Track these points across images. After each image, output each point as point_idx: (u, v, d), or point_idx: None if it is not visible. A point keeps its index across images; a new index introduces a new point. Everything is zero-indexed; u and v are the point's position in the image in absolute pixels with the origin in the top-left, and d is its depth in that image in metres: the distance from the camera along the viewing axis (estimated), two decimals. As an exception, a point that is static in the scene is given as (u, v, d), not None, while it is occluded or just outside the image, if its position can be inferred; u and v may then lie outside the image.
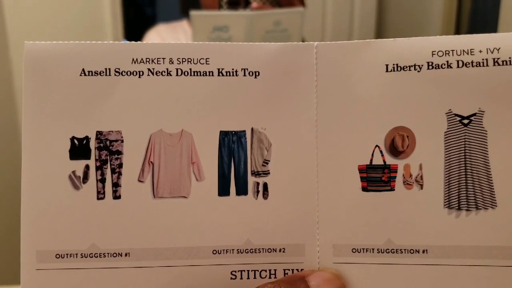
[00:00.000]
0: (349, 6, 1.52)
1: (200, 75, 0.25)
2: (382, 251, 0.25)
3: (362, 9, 1.52)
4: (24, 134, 0.25)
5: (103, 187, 0.25)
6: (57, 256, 0.25)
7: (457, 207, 0.25)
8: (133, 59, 0.25)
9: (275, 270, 0.25)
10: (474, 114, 0.25)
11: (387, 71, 0.25)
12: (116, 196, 0.25)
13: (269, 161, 0.26)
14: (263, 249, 0.25)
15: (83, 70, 0.25)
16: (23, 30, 0.96)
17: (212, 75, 0.25)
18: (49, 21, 1.07)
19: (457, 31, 1.23)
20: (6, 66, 0.93)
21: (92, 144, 0.25)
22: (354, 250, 0.25)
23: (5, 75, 0.92)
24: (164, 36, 0.95)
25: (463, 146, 0.25)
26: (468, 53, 0.25)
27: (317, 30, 1.52)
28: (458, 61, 0.25)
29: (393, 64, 0.25)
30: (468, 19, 1.21)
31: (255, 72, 0.25)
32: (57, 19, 1.09)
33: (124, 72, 0.25)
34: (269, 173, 0.26)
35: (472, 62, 0.25)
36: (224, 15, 0.75)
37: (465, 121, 0.25)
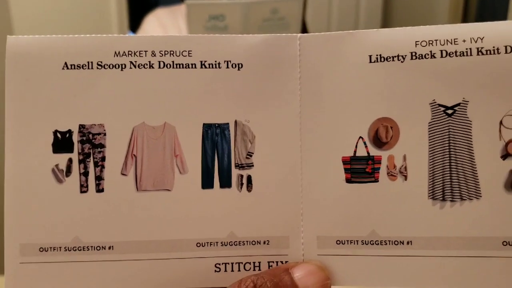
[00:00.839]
0: (354, 6, 1.52)
1: (183, 67, 0.25)
2: (367, 243, 0.25)
3: (368, 2, 1.51)
4: (7, 127, 0.25)
5: (86, 180, 0.25)
6: (41, 249, 0.25)
7: (441, 198, 0.25)
8: (115, 52, 0.25)
9: (259, 262, 0.26)
10: (458, 104, 0.25)
11: (370, 61, 0.25)
12: (99, 189, 0.25)
13: (252, 153, 0.26)
14: (247, 241, 0.26)
15: (65, 63, 0.25)
16: (28, 20, 0.97)
17: (195, 67, 0.25)
18: (54, 10, 1.07)
19: (465, 20, 1.22)
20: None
21: (75, 138, 0.25)
22: (338, 242, 0.25)
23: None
24: (163, 21, 0.95)
25: (447, 136, 0.25)
26: (451, 43, 0.25)
27: (323, 23, 1.52)
28: (441, 51, 0.25)
29: (377, 55, 0.25)
30: (476, 10, 1.20)
31: (238, 64, 0.25)
32: (62, 8, 1.09)
33: (107, 65, 0.25)
34: (253, 165, 0.26)
35: (455, 52, 0.25)
36: (220, 3, 0.75)
37: (449, 111, 0.25)
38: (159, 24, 0.94)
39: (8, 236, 0.25)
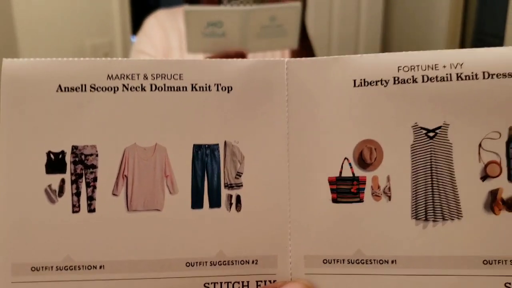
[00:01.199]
0: (355, 10, 1.54)
1: (174, 90, 0.26)
2: (352, 262, 0.26)
3: (368, 13, 1.54)
4: (1, 147, 0.26)
5: (78, 201, 0.26)
6: (33, 268, 0.25)
7: (424, 218, 0.26)
8: (108, 75, 0.26)
9: (247, 282, 0.26)
10: (439, 127, 0.26)
11: (355, 86, 0.26)
12: (91, 209, 0.26)
13: (242, 173, 0.27)
14: (236, 261, 0.26)
15: (59, 86, 0.26)
16: (30, 24, 0.97)
17: (186, 90, 0.26)
18: (56, 13, 1.07)
19: (463, 32, 1.25)
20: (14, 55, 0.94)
21: (68, 159, 0.26)
22: (325, 261, 0.26)
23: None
24: (164, 23, 0.96)
25: (429, 158, 0.26)
26: (432, 68, 0.26)
27: (324, 28, 1.53)
28: (423, 76, 0.26)
29: (361, 79, 0.26)
30: (474, 24, 1.22)
31: (228, 87, 0.26)
32: (64, 11, 1.10)
33: (100, 88, 0.26)
34: (242, 185, 0.26)
35: (436, 77, 0.26)
36: (218, 10, 0.75)
37: (431, 134, 0.26)
38: (159, 26, 0.95)
39: (0, 256, 0.25)
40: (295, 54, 0.87)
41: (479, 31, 1.21)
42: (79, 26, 1.14)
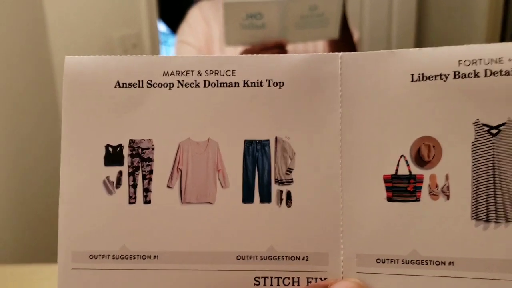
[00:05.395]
0: (388, 6, 1.52)
1: (227, 86, 0.28)
2: (407, 262, 0.26)
3: (401, 10, 1.51)
4: (63, 141, 0.28)
5: (135, 192, 0.28)
6: (91, 256, 0.28)
7: (485, 219, 0.26)
8: (164, 72, 0.28)
9: (298, 278, 0.27)
10: (503, 124, 0.26)
11: (412, 80, 0.26)
12: (147, 201, 0.28)
13: (292, 169, 0.28)
14: (286, 256, 0.27)
15: (118, 82, 0.28)
16: (61, 15, 1.03)
17: (238, 86, 0.28)
18: (86, 4, 1.12)
19: (504, 28, 1.19)
20: (46, 52, 0.99)
21: (125, 152, 0.28)
22: (378, 260, 0.27)
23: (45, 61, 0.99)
24: (206, 13, 0.99)
25: (491, 156, 0.26)
26: (496, 62, 0.26)
27: (355, 18, 1.52)
28: (486, 70, 0.26)
29: (419, 74, 0.26)
30: None
31: (280, 82, 0.28)
32: (93, 2, 1.15)
33: (156, 84, 0.28)
34: (292, 181, 0.28)
35: (500, 71, 0.26)
36: (257, 2, 0.77)
37: (494, 131, 0.26)
38: (202, 17, 0.99)
39: (61, 243, 0.28)
40: (335, 44, 0.87)
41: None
42: (107, 18, 1.19)
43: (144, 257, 0.28)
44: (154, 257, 0.28)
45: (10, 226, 0.93)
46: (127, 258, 0.28)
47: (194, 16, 1.01)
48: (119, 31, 1.23)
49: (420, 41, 1.55)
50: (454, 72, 0.26)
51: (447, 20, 1.43)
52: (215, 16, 0.98)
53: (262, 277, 0.27)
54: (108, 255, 0.28)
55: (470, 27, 1.26)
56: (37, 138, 1.01)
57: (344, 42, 0.84)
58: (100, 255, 0.28)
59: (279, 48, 0.81)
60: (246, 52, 0.81)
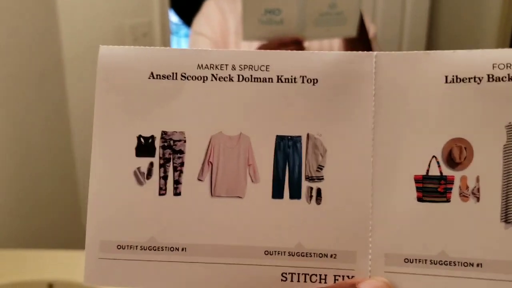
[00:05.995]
0: (400, 10, 1.52)
1: (260, 81, 0.28)
2: (435, 263, 0.27)
3: (413, 11, 1.51)
4: (94, 131, 0.29)
5: (165, 184, 0.28)
6: (119, 247, 0.28)
7: (515, 222, 0.26)
8: (198, 65, 0.28)
9: (325, 275, 0.27)
10: (536, 128, 0.26)
11: (446, 82, 0.27)
12: (177, 193, 0.28)
13: (323, 166, 0.28)
14: (314, 253, 0.27)
15: (151, 73, 0.28)
16: (72, 3, 1.03)
17: (272, 81, 0.28)
18: None
19: None
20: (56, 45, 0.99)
21: (157, 143, 0.28)
22: (406, 260, 0.27)
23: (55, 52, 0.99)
24: (222, 5, 0.99)
25: (523, 160, 0.26)
26: (531, 67, 0.26)
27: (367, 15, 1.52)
28: None
29: (453, 76, 0.27)
30: None
31: (313, 79, 0.28)
32: None
33: (190, 76, 0.28)
34: (323, 178, 0.28)
35: (535, 75, 0.26)
36: None
37: (526, 135, 0.26)
38: (218, 9, 0.99)
39: (89, 232, 0.28)
40: (350, 42, 0.87)
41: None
42: (118, 6, 1.19)
43: (172, 249, 0.28)
44: (182, 249, 0.28)
45: (16, 223, 0.93)
46: (155, 250, 0.28)
47: (210, 8, 1.01)
48: (130, 19, 1.24)
49: (431, 39, 1.55)
50: (488, 75, 0.26)
51: (458, 22, 1.43)
52: (231, 9, 0.98)
53: (289, 273, 0.28)
54: (136, 246, 0.28)
55: (481, 30, 1.27)
56: (45, 134, 1.01)
57: (360, 39, 0.85)
58: (128, 245, 0.28)
59: (296, 44, 0.81)
60: (262, 47, 0.81)
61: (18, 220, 0.94)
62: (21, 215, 0.95)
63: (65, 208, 1.07)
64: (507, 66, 0.26)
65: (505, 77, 0.26)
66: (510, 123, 0.26)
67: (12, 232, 0.92)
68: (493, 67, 0.27)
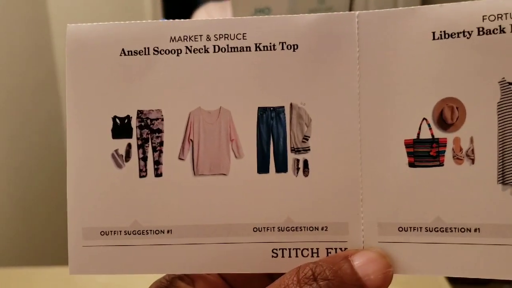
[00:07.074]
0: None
1: (238, 50, 0.27)
2: (431, 230, 0.26)
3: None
4: (68, 115, 0.27)
5: (145, 165, 0.27)
6: (102, 233, 0.27)
7: (513, 182, 0.25)
8: (171, 38, 0.27)
9: (317, 249, 0.27)
10: (531, 82, 0.25)
11: (434, 39, 0.25)
12: (158, 174, 0.27)
13: (309, 137, 0.27)
14: (304, 227, 0.27)
15: (122, 50, 0.27)
16: (64, 7, 1.04)
17: (250, 50, 0.27)
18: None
19: None
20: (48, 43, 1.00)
21: (134, 123, 0.27)
22: (400, 229, 0.26)
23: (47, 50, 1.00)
24: (213, 15, 0.99)
25: (519, 116, 0.25)
26: (524, 16, 0.24)
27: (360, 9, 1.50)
28: None
29: (440, 31, 0.25)
30: None
31: (294, 45, 0.26)
32: None
33: (163, 50, 0.27)
34: (309, 149, 0.27)
35: (528, 25, 0.24)
36: None
37: (521, 90, 0.25)
38: (208, 17, 0.98)
39: (71, 220, 0.27)
40: None
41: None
42: (110, 18, 1.19)
43: (157, 232, 0.27)
44: (168, 231, 0.27)
45: (12, 229, 0.93)
46: (139, 234, 0.27)
47: (201, 17, 1.00)
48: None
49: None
50: (478, 28, 0.25)
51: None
52: (222, 17, 0.97)
53: (280, 249, 0.27)
54: (120, 231, 0.27)
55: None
56: (41, 141, 1.01)
57: None
58: (111, 231, 0.27)
59: None
60: None
61: (19, 236, 0.95)
62: (20, 228, 0.95)
63: (64, 212, 1.07)
64: (497, 17, 0.25)
65: (496, 29, 0.25)
66: (503, 78, 0.25)
67: (15, 250, 0.92)
68: (483, 19, 0.25)
